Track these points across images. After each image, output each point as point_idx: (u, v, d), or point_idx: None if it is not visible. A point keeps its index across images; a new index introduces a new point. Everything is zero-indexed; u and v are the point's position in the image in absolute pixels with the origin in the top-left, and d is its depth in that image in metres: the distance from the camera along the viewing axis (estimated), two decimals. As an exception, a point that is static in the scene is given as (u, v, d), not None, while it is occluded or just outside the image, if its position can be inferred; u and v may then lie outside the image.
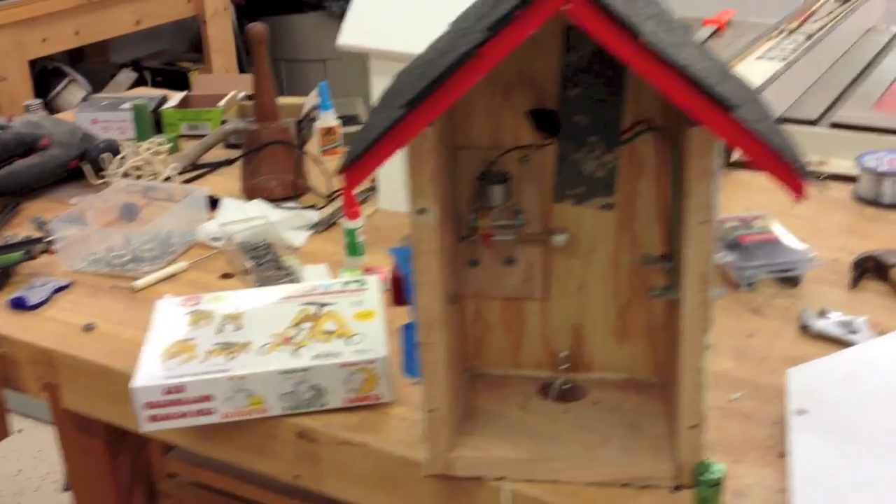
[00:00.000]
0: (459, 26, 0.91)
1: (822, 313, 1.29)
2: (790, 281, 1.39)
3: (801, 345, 1.25)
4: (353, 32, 1.61)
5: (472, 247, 1.09)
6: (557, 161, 1.05)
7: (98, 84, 4.66)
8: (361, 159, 0.80)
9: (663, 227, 1.05)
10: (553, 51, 1.00)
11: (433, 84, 0.76)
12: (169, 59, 4.84)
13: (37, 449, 3.06)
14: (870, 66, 2.44)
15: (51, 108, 4.44)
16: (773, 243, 1.43)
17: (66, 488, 2.90)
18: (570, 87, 1.01)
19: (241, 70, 4.83)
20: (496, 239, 1.06)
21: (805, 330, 1.27)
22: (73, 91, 4.62)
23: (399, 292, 1.00)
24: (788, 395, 1.09)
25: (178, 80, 4.62)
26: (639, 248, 1.07)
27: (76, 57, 4.62)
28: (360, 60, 1.68)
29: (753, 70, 2.26)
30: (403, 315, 1.22)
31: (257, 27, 1.69)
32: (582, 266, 1.09)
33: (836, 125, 2.05)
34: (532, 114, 1.02)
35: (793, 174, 0.78)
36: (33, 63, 3.86)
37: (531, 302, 1.11)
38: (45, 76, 4.35)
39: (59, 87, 4.56)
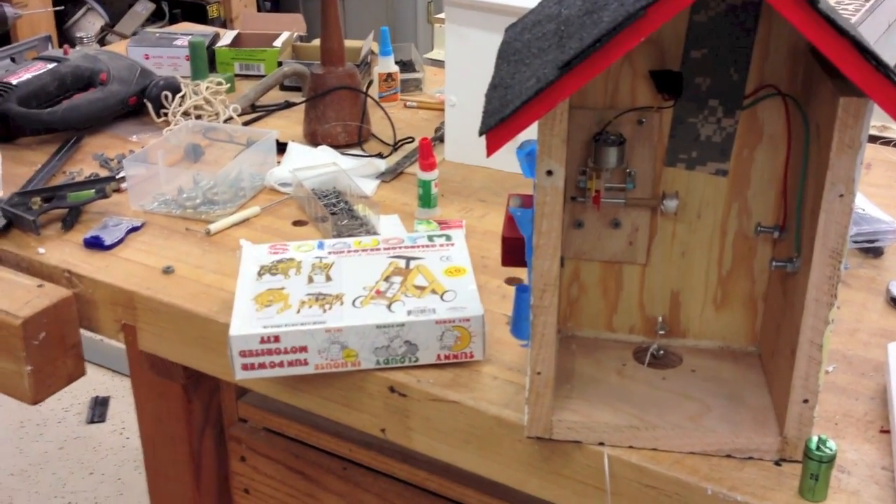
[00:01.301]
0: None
1: (910, 286, 1.28)
2: (873, 251, 1.38)
3: (891, 317, 1.24)
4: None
5: (577, 208, 1.07)
6: (673, 124, 1.02)
7: (115, 14, 4.59)
8: (507, 121, 0.78)
9: (778, 197, 1.03)
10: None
11: (594, 44, 0.73)
12: (187, -9, 4.77)
13: (62, 380, 3.05)
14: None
15: (68, 36, 4.37)
16: (857, 214, 1.41)
17: (91, 420, 2.91)
18: (694, 47, 0.98)
19: (258, 7, 4.76)
20: (605, 202, 1.04)
21: (894, 302, 1.25)
22: (91, 19, 4.56)
23: (511, 255, 0.98)
24: (889, 370, 1.08)
25: (196, 13, 4.55)
26: (748, 217, 1.05)
27: (94, -15, 4.54)
28: None
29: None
30: (490, 274, 1.22)
31: (329, -33, 1.65)
32: (687, 231, 1.07)
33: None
34: (654, 74, 0.99)
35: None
36: (52, -9, 3.80)
37: (631, 266, 1.10)
38: (63, 3, 4.28)
39: (77, 16, 4.50)
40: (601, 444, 1.01)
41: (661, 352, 1.11)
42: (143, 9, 4.67)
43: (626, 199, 1.05)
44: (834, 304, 0.91)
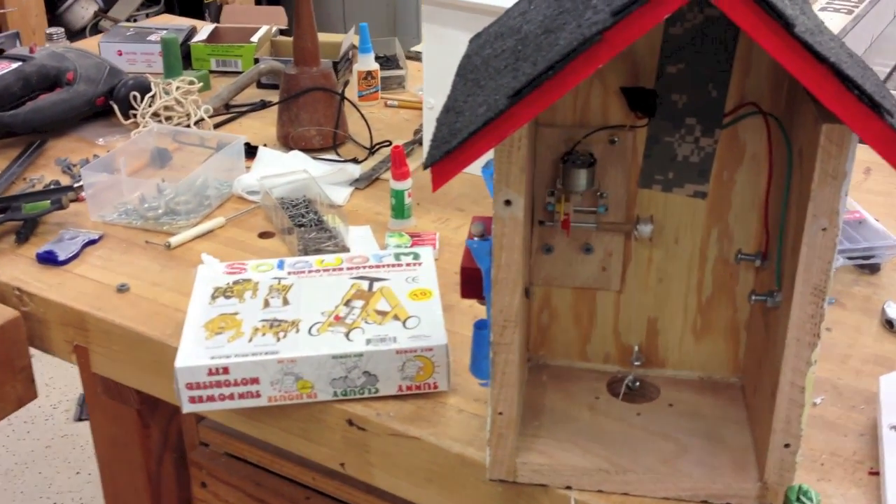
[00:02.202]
0: (559, -5, 0.81)
1: (906, 307, 1.21)
2: (869, 268, 1.30)
3: (886, 342, 1.16)
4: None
5: (546, 232, 1.00)
6: (647, 143, 0.95)
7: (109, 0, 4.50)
8: (454, 154, 0.71)
9: (761, 222, 0.95)
10: (654, 22, 0.89)
11: (546, 72, 0.66)
12: (183, -26, 4.67)
13: (48, 376, 3.01)
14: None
15: (61, 21, 4.30)
16: (854, 224, 1.33)
17: (78, 418, 2.86)
18: (670, 62, 0.91)
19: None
20: (575, 225, 0.97)
21: (889, 325, 1.18)
22: (85, 4, 4.47)
23: (470, 286, 0.91)
24: (880, 406, 1.01)
25: (193, -3, 4.47)
26: (729, 242, 0.98)
27: (87, -30, 4.45)
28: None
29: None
30: (458, 296, 1.14)
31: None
32: (664, 257, 1.00)
33: (905, 89, 1.94)
34: (626, 91, 0.92)
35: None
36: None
37: (605, 292, 1.03)
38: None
39: (69, 1, 4.42)
40: (568, 487, 0.94)
41: (637, 383, 1.04)
42: (139, -7, 4.59)
43: (598, 223, 0.98)
44: (817, 345, 0.84)
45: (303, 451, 1.11)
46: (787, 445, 0.88)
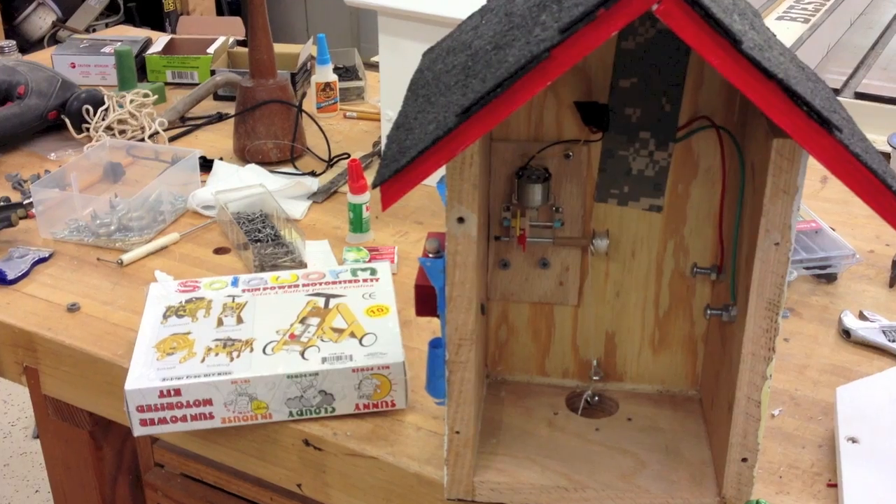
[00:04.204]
0: (510, 11, 0.80)
1: (863, 316, 1.21)
2: (826, 277, 1.30)
3: (843, 352, 1.17)
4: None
5: (502, 247, 0.99)
6: (602, 157, 0.94)
7: (68, 9, 4.44)
8: (402, 173, 0.69)
9: (716, 235, 0.95)
10: (606, 36, 0.88)
11: (494, 90, 0.65)
12: (143, -17, 4.62)
13: (6, 393, 2.96)
14: (889, 27, 2.34)
15: (18, 32, 4.23)
16: (810, 234, 1.34)
17: (37, 436, 2.81)
18: (623, 76, 0.90)
19: (219, 4, 4.62)
20: (531, 241, 0.96)
21: (846, 335, 1.18)
22: (42, 14, 4.41)
23: (424, 303, 0.90)
24: (837, 418, 1.01)
25: (151, 6, 4.41)
26: (685, 255, 0.98)
27: (45, -21, 4.39)
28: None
29: (776, 33, 2.14)
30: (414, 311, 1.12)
31: (256, -26, 1.56)
32: (621, 270, 1.00)
33: (861, 95, 1.96)
34: (579, 106, 0.91)
35: (896, 206, 0.68)
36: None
37: (563, 307, 1.02)
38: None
39: (27, 11, 4.36)
40: (527, 505, 0.93)
41: (596, 398, 1.04)
42: (97, 2, 4.53)
43: (554, 237, 0.97)
44: (772, 359, 0.83)
45: (259, 472, 1.09)
46: (744, 459, 0.88)
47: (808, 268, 1.29)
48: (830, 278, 1.30)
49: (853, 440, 0.97)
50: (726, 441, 0.89)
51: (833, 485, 0.96)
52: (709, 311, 0.92)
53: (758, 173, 0.80)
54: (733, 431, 0.87)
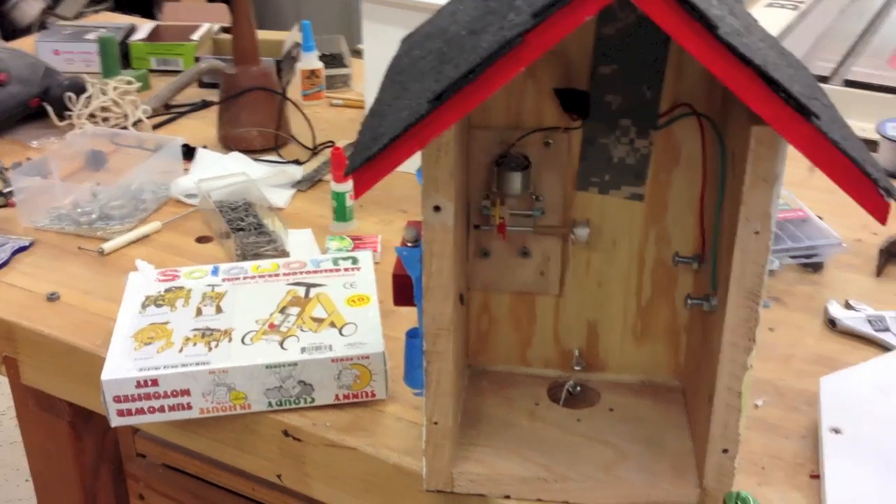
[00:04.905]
0: (486, -5, 0.79)
1: (849, 305, 1.20)
2: (812, 266, 1.30)
3: (829, 341, 1.16)
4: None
5: (483, 236, 0.98)
6: (583, 145, 0.93)
7: (58, -4, 4.41)
8: (374, 161, 0.68)
9: (697, 224, 0.94)
10: (586, 22, 0.87)
11: (467, 76, 0.64)
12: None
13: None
14: (879, 15, 2.33)
15: (6, 19, 4.20)
16: (797, 223, 1.33)
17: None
18: (603, 63, 0.89)
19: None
20: (511, 229, 0.95)
21: (832, 325, 1.18)
22: (31, 3, 4.38)
23: (401, 293, 0.89)
24: (821, 409, 1.00)
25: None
26: (667, 244, 0.97)
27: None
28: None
29: (765, 20, 2.13)
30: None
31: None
32: (602, 260, 0.99)
33: (850, 83, 1.95)
34: (559, 92, 0.90)
35: (876, 194, 0.67)
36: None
37: (544, 296, 1.01)
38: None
39: (15, -2, 4.32)
40: (507, 497, 0.92)
41: (578, 388, 1.03)
42: (87, -11, 4.49)
43: (534, 226, 0.96)
44: (752, 349, 0.83)
45: (238, 462, 1.08)
46: (725, 451, 0.87)
47: (793, 256, 1.28)
48: (816, 267, 1.29)
49: (836, 430, 0.97)
50: (706, 431, 0.88)
51: (816, 476, 0.95)
52: (690, 301, 0.91)
53: (738, 161, 0.79)
54: (714, 422, 0.86)
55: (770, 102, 0.64)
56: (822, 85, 1.98)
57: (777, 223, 1.30)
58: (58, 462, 1.27)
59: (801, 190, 1.53)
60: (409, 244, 0.88)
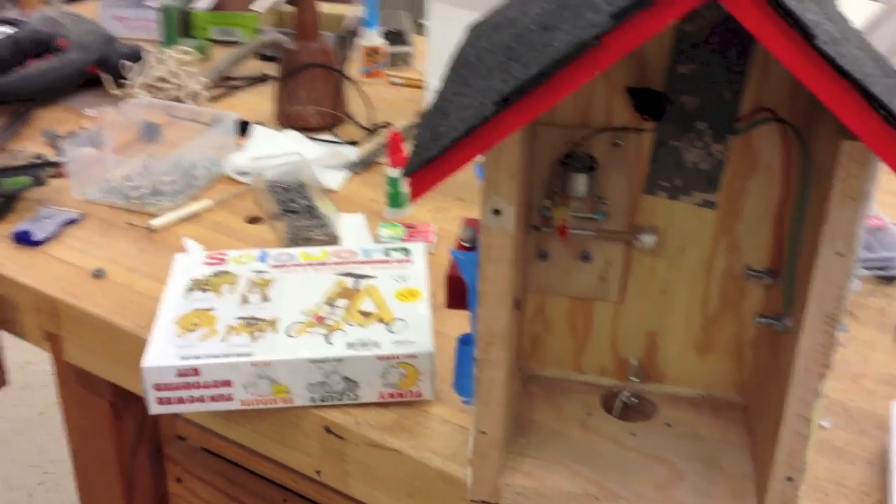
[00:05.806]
0: (561, -13, 0.73)
1: (925, 323, 1.14)
2: (886, 279, 1.23)
3: (901, 361, 1.10)
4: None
5: (542, 237, 0.93)
6: (654, 147, 0.88)
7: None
8: (433, 163, 0.64)
9: (774, 237, 0.88)
10: (665, 17, 0.82)
11: (536, 79, 0.59)
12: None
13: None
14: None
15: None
16: (873, 231, 1.26)
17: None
18: (682, 62, 0.83)
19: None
20: (573, 233, 0.90)
21: (905, 343, 1.11)
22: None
23: (455, 296, 0.85)
24: (892, 434, 0.94)
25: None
26: (738, 255, 0.91)
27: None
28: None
29: (848, 11, 2.04)
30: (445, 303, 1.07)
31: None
32: (668, 268, 0.93)
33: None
34: (632, 92, 0.85)
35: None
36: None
37: (603, 302, 0.96)
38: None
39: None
40: (555, 511, 0.88)
41: (634, 399, 0.98)
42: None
43: (597, 230, 0.91)
44: (826, 375, 0.77)
45: (278, 455, 1.05)
46: (789, 479, 0.82)
47: (867, 268, 1.22)
48: (891, 280, 1.23)
49: (908, 461, 0.91)
50: (770, 456, 0.83)
51: (883, 508, 0.89)
52: (760, 320, 0.85)
53: (824, 175, 0.73)
54: (779, 448, 0.81)
55: (866, 118, 0.59)
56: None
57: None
58: (96, 441, 1.26)
59: (875, 194, 1.46)
60: (465, 245, 0.84)
